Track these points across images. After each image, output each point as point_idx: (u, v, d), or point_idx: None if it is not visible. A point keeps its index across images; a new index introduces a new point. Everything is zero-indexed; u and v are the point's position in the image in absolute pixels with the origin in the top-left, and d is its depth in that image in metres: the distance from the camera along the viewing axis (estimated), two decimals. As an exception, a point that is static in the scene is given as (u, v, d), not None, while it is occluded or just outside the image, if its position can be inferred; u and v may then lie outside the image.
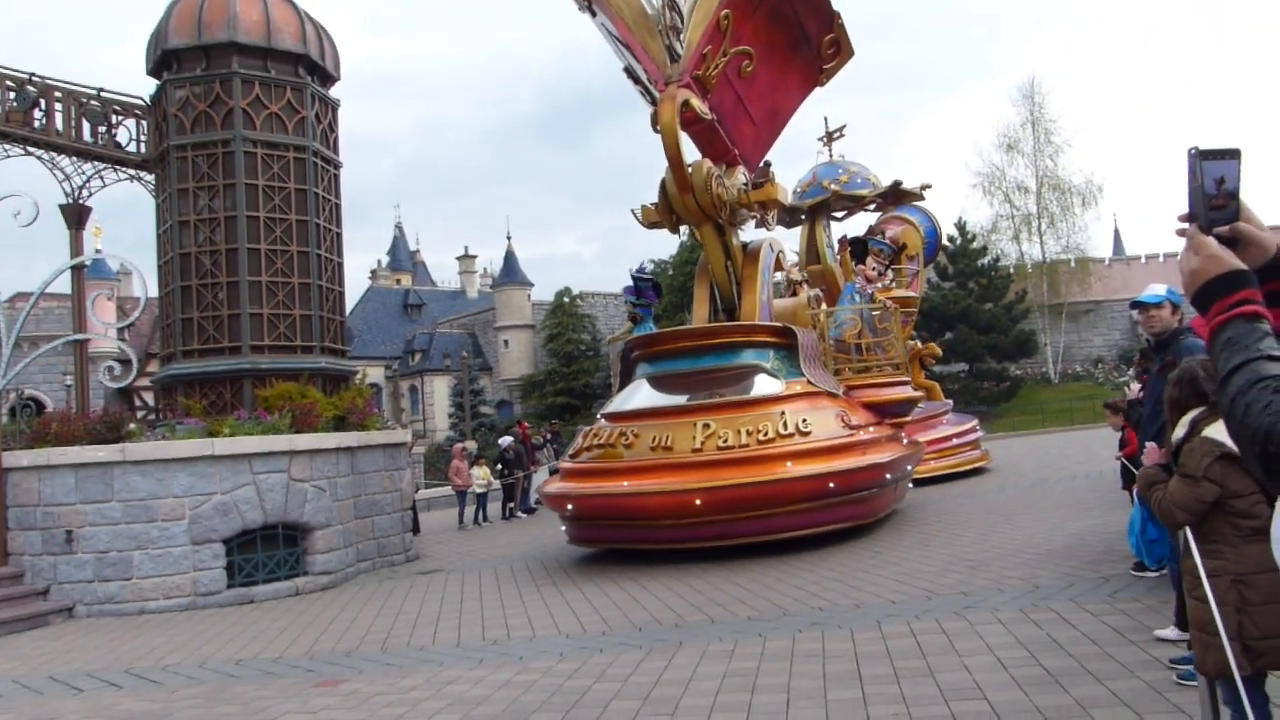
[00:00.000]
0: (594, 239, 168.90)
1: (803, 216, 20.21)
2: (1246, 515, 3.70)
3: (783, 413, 11.42)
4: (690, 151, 12.64)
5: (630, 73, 12.94)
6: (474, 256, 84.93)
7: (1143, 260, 58.04)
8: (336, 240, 14.70)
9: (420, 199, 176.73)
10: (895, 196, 20.66)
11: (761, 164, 14.34)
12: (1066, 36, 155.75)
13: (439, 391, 65.39)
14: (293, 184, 13.76)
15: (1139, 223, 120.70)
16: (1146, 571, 7.60)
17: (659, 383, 12.75)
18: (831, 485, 11.03)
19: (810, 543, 11.22)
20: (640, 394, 12.68)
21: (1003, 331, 46.56)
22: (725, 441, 11.13)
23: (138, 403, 15.14)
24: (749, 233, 14.51)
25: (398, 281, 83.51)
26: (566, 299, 62.84)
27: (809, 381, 12.22)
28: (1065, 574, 8.40)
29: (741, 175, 13.67)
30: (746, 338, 12.70)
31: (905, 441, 13.74)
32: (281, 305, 13.60)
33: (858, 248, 17.09)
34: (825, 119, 22.31)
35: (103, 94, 13.97)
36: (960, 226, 50.29)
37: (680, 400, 12.23)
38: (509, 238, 68.83)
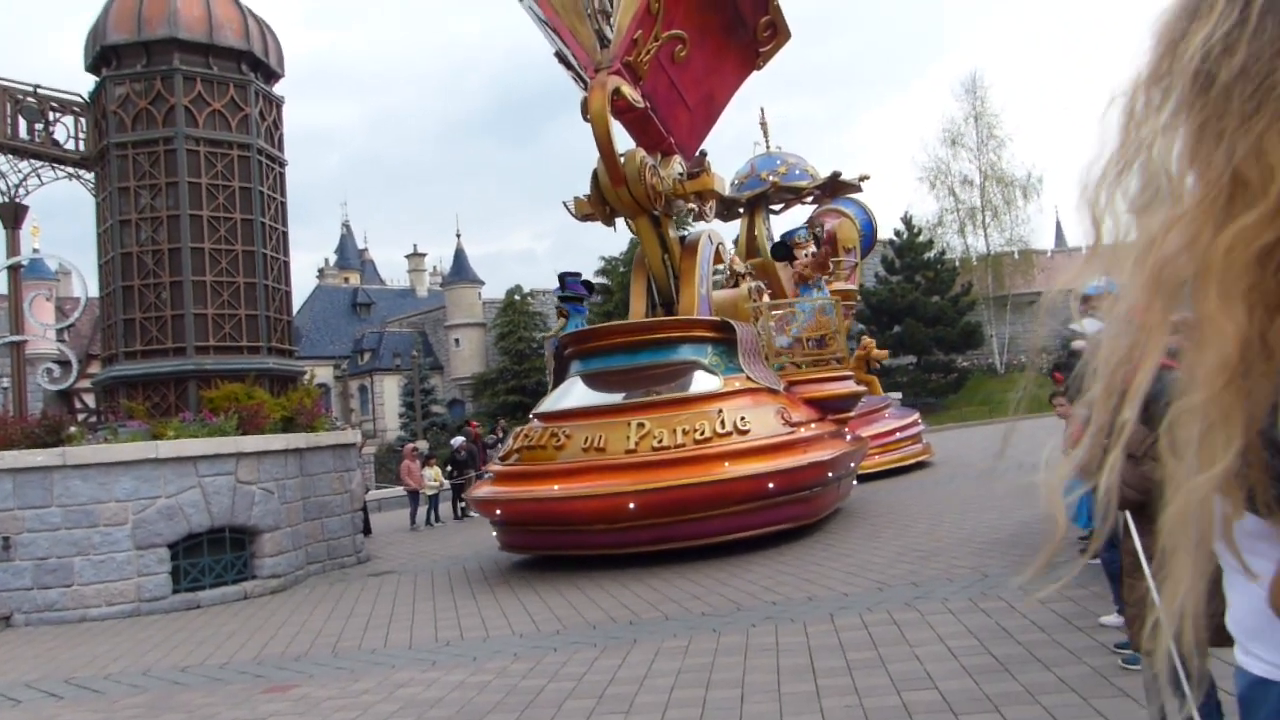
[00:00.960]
0: (547, 235, 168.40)
1: (740, 210, 19.96)
2: None
3: (720, 410, 11.10)
4: (624, 140, 12.37)
5: (561, 58, 12.58)
6: (423, 254, 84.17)
7: (1084, 251, 59.14)
8: (282, 239, 14.46)
9: (369, 195, 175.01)
10: (834, 188, 20.49)
11: (697, 153, 14.06)
12: (1011, 25, 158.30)
13: (389, 391, 64.75)
14: (237, 182, 13.51)
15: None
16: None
17: (593, 380, 12.35)
18: (771, 485, 10.65)
19: (763, 537, 11.23)
20: (573, 393, 12.30)
21: (949, 324, 47.19)
22: (660, 441, 10.78)
23: (78, 405, 14.75)
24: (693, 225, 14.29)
25: (346, 280, 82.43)
26: (517, 297, 62.49)
27: (748, 377, 11.92)
28: (1013, 562, 8.53)
29: (678, 165, 13.40)
30: (683, 333, 12.30)
31: (849, 438, 13.49)
32: (227, 305, 13.35)
33: (780, 252, 16.36)
34: (761, 110, 22.25)
35: (39, 90, 13.58)
36: (907, 220, 50.79)
37: (615, 399, 11.82)
38: (458, 235, 68.35)
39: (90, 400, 14.57)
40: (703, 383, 11.72)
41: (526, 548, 12.10)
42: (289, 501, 12.76)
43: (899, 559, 9.45)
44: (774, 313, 14.30)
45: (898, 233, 50.23)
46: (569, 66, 12.38)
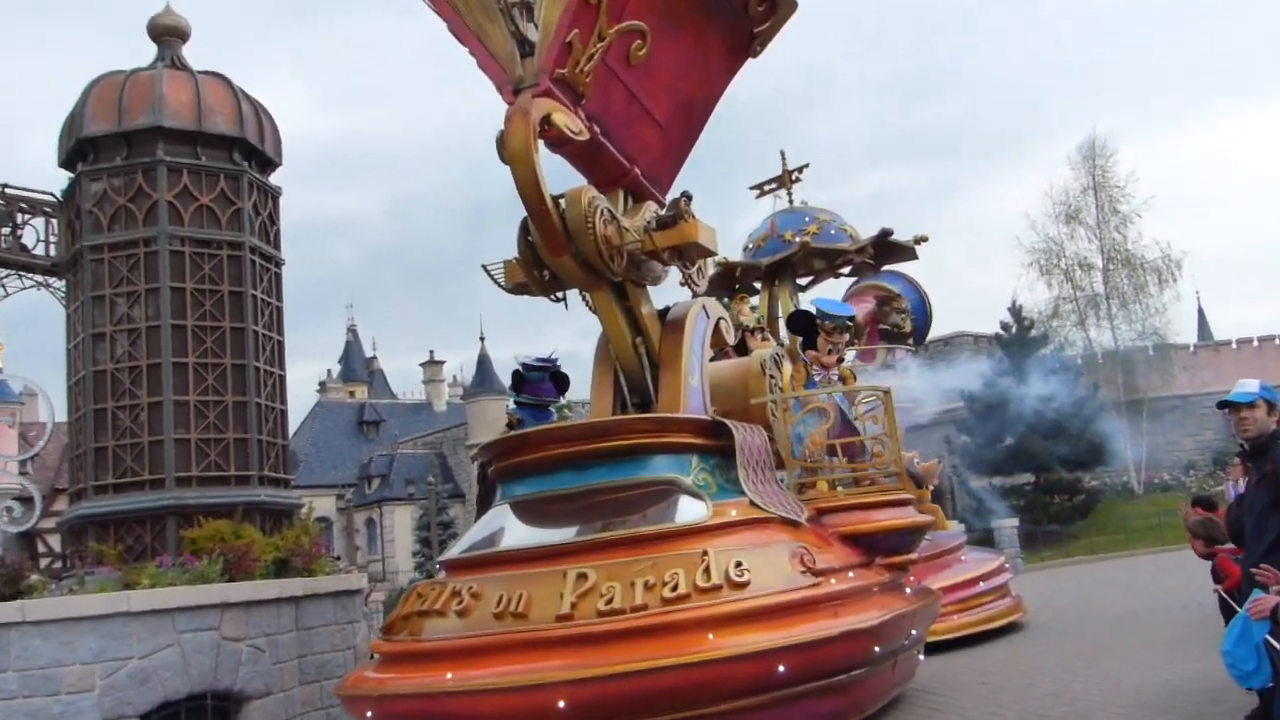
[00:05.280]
0: (591, 333, 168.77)
1: (755, 283, 18.26)
2: None
3: (705, 553, 8.79)
4: (572, 176, 10.61)
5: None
6: (441, 362, 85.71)
7: (1234, 345, 58.31)
8: (277, 349, 14.80)
9: (383, 293, 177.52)
10: (881, 253, 18.24)
11: (677, 195, 11.80)
12: (1136, 87, 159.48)
13: (401, 524, 65.07)
14: (226, 286, 13.91)
15: (1226, 302, 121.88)
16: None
17: (526, 510, 10.27)
18: (782, 668, 8.21)
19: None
20: (496, 529, 10.33)
21: (1073, 435, 46.43)
22: (610, 601, 8.50)
23: (41, 548, 15.03)
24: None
25: (351, 394, 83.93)
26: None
27: (752, 503, 9.67)
28: (1161, 732, 8.27)
29: (653, 210, 11.58)
30: (656, 438, 10.03)
31: (910, 591, 11.01)
32: (213, 428, 13.61)
33: (800, 323, 13.26)
34: (782, 153, 19.57)
35: (7, 189, 14.20)
36: (1015, 311, 50.53)
37: (549, 536, 9.77)
38: (482, 339, 69.59)
39: (55, 542, 14.82)
40: (682, 511, 9.58)
41: None
42: (282, 661, 12.76)
43: (1020, 727, 9.19)
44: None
45: (1005, 326, 50.01)
46: None
